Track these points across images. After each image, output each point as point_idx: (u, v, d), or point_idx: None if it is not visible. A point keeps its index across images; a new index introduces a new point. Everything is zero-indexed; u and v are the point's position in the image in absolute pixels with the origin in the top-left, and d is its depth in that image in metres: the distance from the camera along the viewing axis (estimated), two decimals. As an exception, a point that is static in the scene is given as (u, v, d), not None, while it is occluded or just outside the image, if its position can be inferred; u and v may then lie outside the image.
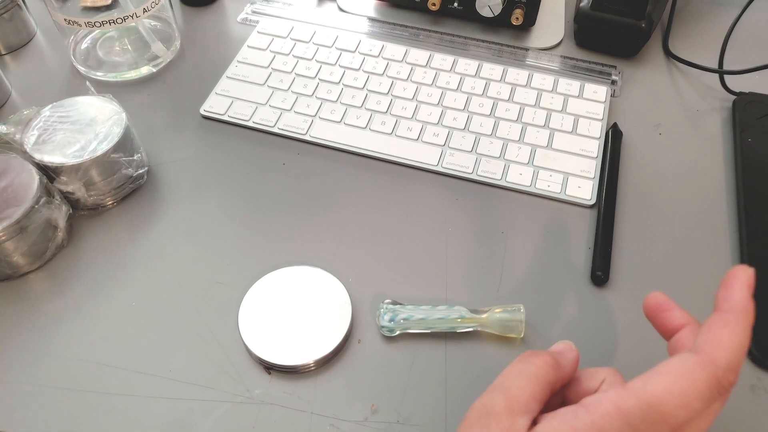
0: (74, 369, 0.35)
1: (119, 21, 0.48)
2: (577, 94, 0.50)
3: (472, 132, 0.47)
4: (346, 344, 0.36)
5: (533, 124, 0.48)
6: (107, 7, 0.58)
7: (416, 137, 0.47)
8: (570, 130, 0.47)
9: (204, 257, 0.40)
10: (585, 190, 0.43)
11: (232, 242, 0.41)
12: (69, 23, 0.48)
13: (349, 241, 0.41)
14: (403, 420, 0.33)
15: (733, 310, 0.23)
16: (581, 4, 0.54)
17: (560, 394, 0.27)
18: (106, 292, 0.38)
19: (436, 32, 0.56)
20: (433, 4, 0.55)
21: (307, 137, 0.47)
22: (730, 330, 0.22)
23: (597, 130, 0.47)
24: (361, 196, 0.44)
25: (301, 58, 0.52)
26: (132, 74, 0.52)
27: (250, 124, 0.48)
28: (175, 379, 0.34)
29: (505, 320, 0.36)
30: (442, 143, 0.46)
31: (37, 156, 0.39)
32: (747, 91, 0.50)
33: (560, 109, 0.49)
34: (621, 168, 0.46)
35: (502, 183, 0.44)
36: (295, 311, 0.36)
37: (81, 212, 0.42)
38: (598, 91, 0.50)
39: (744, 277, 0.24)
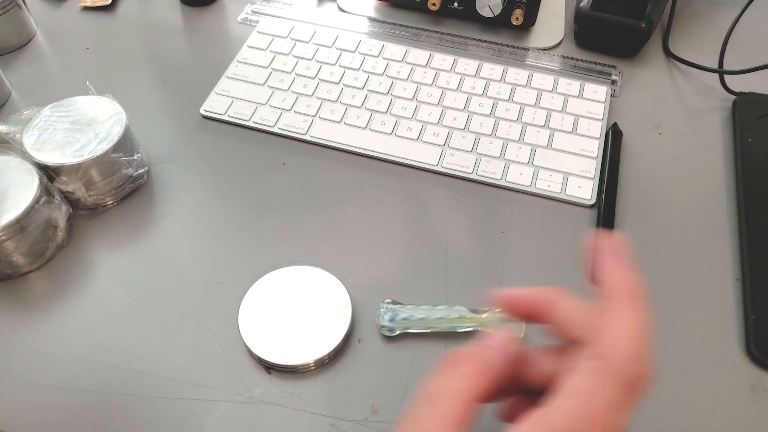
0: (74, 369, 0.35)
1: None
2: (577, 94, 0.50)
3: (472, 132, 0.47)
4: (346, 344, 0.36)
5: (533, 124, 0.48)
6: (107, 8, 0.58)
7: (416, 137, 0.47)
8: (570, 130, 0.47)
9: (204, 257, 0.40)
10: (585, 190, 0.43)
11: (232, 242, 0.41)
12: None
13: (349, 241, 0.41)
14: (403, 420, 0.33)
15: (612, 294, 0.21)
16: (581, 4, 0.54)
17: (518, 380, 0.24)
18: (106, 291, 0.38)
19: (436, 32, 0.56)
20: (433, 4, 0.55)
21: (307, 137, 0.47)
22: (618, 319, 0.20)
23: (597, 130, 0.47)
24: (361, 196, 0.44)
25: (301, 58, 0.52)
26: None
27: (250, 124, 0.48)
28: (175, 378, 0.34)
29: (505, 320, 0.36)
30: (442, 143, 0.46)
31: (37, 156, 0.39)
32: (747, 91, 0.50)
33: (560, 109, 0.49)
34: (621, 168, 0.46)
35: (502, 183, 0.44)
36: (295, 311, 0.36)
37: (81, 212, 0.42)
38: (598, 91, 0.50)
39: (609, 248, 0.21)
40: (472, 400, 0.21)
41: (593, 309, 0.21)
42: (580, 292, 0.39)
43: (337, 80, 0.51)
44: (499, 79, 0.51)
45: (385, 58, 0.52)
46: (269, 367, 0.35)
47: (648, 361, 0.19)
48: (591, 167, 0.45)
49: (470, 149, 0.46)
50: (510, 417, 0.25)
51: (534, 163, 0.45)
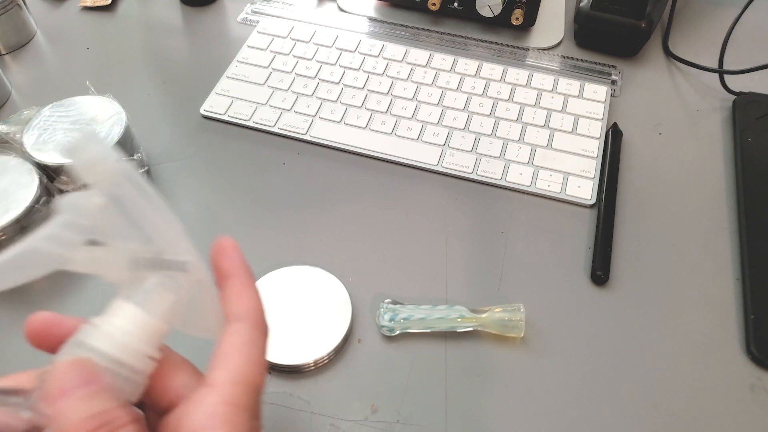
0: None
1: None
2: (577, 94, 0.50)
3: (472, 132, 0.47)
4: (346, 344, 0.36)
5: (533, 123, 0.48)
6: (107, 7, 0.58)
7: (416, 137, 0.47)
8: (570, 129, 0.47)
9: (204, 257, 0.40)
10: (585, 190, 0.43)
11: (232, 242, 0.41)
12: None
13: (349, 241, 0.41)
14: (403, 420, 0.33)
15: (242, 272, 0.25)
16: (581, 4, 0.54)
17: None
18: (106, 291, 0.38)
19: (436, 32, 0.56)
20: (433, 4, 0.55)
21: (307, 137, 0.47)
22: (252, 288, 0.24)
23: (597, 129, 0.47)
24: (361, 196, 0.44)
25: (301, 58, 0.52)
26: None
27: (250, 123, 0.48)
28: (175, 378, 0.34)
29: (505, 320, 0.36)
30: (442, 143, 0.46)
31: (37, 155, 0.39)
32: (747, 90, 0.50)
33: (560, 108, 0.49)
34: (621, 168, 0.46)
35: (502, 183, 0.44)
36: (295, 311, 0.36)
37: (81, 212, 0.42)
38: (598, 90, 0.50)
39: (230, 244, 0.26)
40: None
41: (234, 289, 0.25)
42: (580, 291, 0.39)
43: (337, 80, 0.51)
44: (499, 79, 0.51)
45: (385, 58, 0.52)
46: (269, 367, 0.35)
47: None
48: (591, 167, 0.45)
49: (470, 149, 0.46)
50: (171, 401, 0.23)
51: (534, 163, 0.45)
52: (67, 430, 0.18)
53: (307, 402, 0.34)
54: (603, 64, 0.54)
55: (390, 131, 0.47)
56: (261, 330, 0.23)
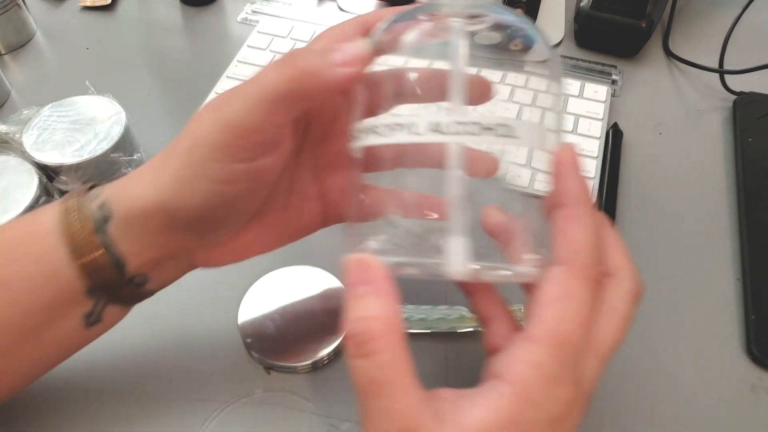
0: (73, 369, 0.35)
1: None
2: (577, 94, 0.49)
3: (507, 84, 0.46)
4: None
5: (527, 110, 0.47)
6: (107, 7, 0.58)
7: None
8: (570, 129, 0.47)
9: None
10: (585, 190, 0.43)
11: (232, 242, 0.41)
12: None
13: (349, 241, 0.41)
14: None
15: (572, 199, 0.21)
16: (581, 4, 0.53)
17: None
18: (106, 292, 0.38)
19: (437, 32, 0.56)
20: (434, 4, 0.55)
21: (307, 137, 0.47)
22: (580, 225, 0.21)
23: (597, 129, 0.47)
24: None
25: (301, 57, 0.52)
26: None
27: (250, 123, 0.48)
28: (174, 378, 0.34)
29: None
30: (443, 143, 0.46)
31: (37, 155, 0.39)
32: (747, 90, 0.50)
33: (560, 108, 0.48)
34: (621, 168, 0.46)
35: (501, 184, 0.44)
36: (295, 311, 0.36)
37: (81, 212, 0.42)
38: (599, 90, 0.50)
39: (570, 158, 0.22)
40: (406, 366, 0.20)
41: (559, 222, 0.22)
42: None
43: (337, 80, 0.50)
44: (498, 80, 0.51)
45: (385, 58, 0.52)
46: (269, 368, 0.35)
47: (601, 259, 0.21)
48: (591, 167, 0.45)
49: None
50: (493, 347, 0.26)
51: (532, 165, 0.45)
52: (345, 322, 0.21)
53: (307, 402, 0.34)
54: (603, 64, 0.53)
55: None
56: (582, 277, 0.20)
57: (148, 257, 0.27)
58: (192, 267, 0.30)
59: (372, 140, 0.23)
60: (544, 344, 0.19)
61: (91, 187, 0.28)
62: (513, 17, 0.24)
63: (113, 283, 0.26)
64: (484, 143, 0.23)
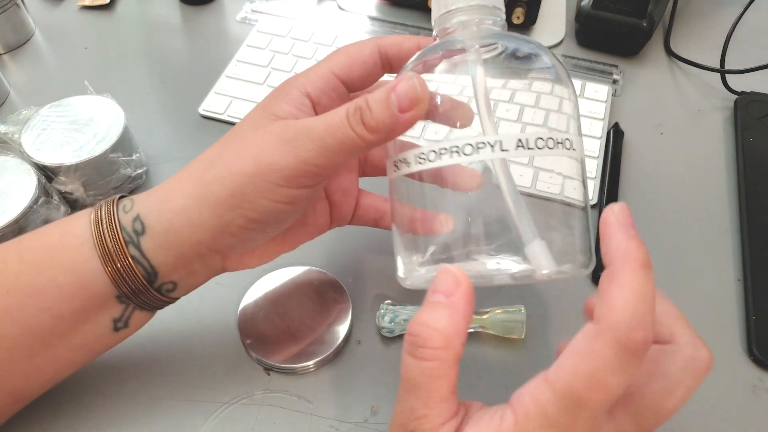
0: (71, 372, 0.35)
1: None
2: (578, 94, 0.49)
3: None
4: (345, 345, 0.36)
5: (533, 123, 0.47)
6: (106, 7, 0.58)
7: (418, 136, 0.46)
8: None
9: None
10: (586, 190, 0.43)
11: (232, 242, 0.41)
12: None
13: (349, 241, 0.41)
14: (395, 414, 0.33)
15: (615, 258, 0.21)
16: (582, 3, 0.53)
17: None
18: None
19: (437, 31, 0.56)
20: (434, 3, 0.54)
21: (306, 137, 0.47)
22: (618, 283, 0.20)
23: (598, 129, 0.47)
24: (361, 196, 0.44)
25: (301, 57, 0.52)
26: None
27: (249, 123, 0.48)
28: (174, 379, 0.34)
29: (505, 321, 0.35)
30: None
31: (36, 156, 0.39)
32: (749, 90, 0.50)
33: (560, 108, 0.48)
34: (622, 168, 0.45)
35: (503, 183, 0.44)
36: (295, 311, 0.36)
37: (79, 212, 0.42)
38: (600, 90, 0.50)
39: (615, 219, 0.22)
40: (448, 372, 0.22)
41: (600, 281, 0.22)
42: (582, 292, 0.39)
43: (337, 80, 0.50)
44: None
45: (385, 58, 0.52)
46: (268, 369, 0.35)
47: (645, 325, 0.19)
48: (592, 167, 0.45)
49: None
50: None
51: (534, 164, 0.45)
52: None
53: (307, 403, 0.33)
54: (604, 64, 0.53)
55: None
56: (610, 339, 0.19)
57: (181, 267, 0.28)
58: (221, 272, 0.30)
59: (452, 160, 0.24)
60: (553, 390, 0.20)
61: (120, 198, 0.29)
62: (524, 44, 0.27)
63: (143, 291, 0.28)
64: (549, 156, 0.25)
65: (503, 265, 0.25)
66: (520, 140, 0.23)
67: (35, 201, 0.37)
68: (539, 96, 0.43)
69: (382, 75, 0.30)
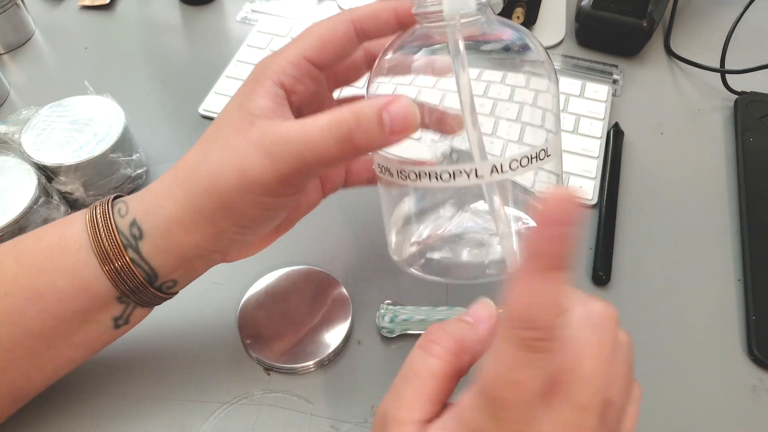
0: (73, 370, 0.35)
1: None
2: (578, 94, 0.49)
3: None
4: (345, 345, 0.36)
5: (533, 123, 0.47)
6: (106, 7, 0.58)
7: (418, 136, 0.46)
8: (571, 129, 0.47)
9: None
10: (586, 190, 0.43)
11: (232, 242, 0.41)
12: None
13: (350, 241, 0.41)
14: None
15: (530, 256, 0.19)
16: (582, 3, 0.53)
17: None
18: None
19: (437, 31, 0.56)
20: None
21: (306, 137, 0.47)
22: (514, 281, 0.19)
23: (598, 129, 0.47)
24: (361, 196, 0.43)
25: (301, 57, 0.52)
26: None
27: (249, 123, 0.48)
28: (174, 380, 0.34)
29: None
30: (442, 143, 0.46)
31: (36, 156, 0.39)
32: (749, 90, 0.50)
33: (561, 108, 0.48)
34: (622, 168, 0.45)
35: (503, 183, 0.44)
36: (295, 311, 0.36)
37: (80, 212, 0.42)
38: (600, 90, 0.50)
39: (552, 206, 0.18)
40: (446, 379, 0.22)
41: None
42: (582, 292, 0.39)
43: (337, 80, 0.50)
44: (499, 80, 0.51)
45: (385, 58, 0.52)
46: (268, 369, 0.35)
47: (536, 318, 0.18)
48: (592, 167, 0.45)
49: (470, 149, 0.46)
50: None
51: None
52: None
53: (307, 403, 0.33)
54: (604, 64, 0.53)
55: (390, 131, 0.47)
56: (510, 337, 0.19)
57: (181, 267, 0.28)
58: (218, 263, 0.31)
59: (429, 183, 0.25)
60: (475, 393, 0.20)
61: (115, 198, 0.29)
62: (508, 30, 0.27)
63: (144, 290, 0.28)
64: (527, 172, 0.27)
65: (478, 257, 0.27)
66: (494, 166, 0.25)
67: (35, 201, 0.37)
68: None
69: (358, 47, 0.29)
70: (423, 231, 0.30)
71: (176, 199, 0.27)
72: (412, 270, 0.28)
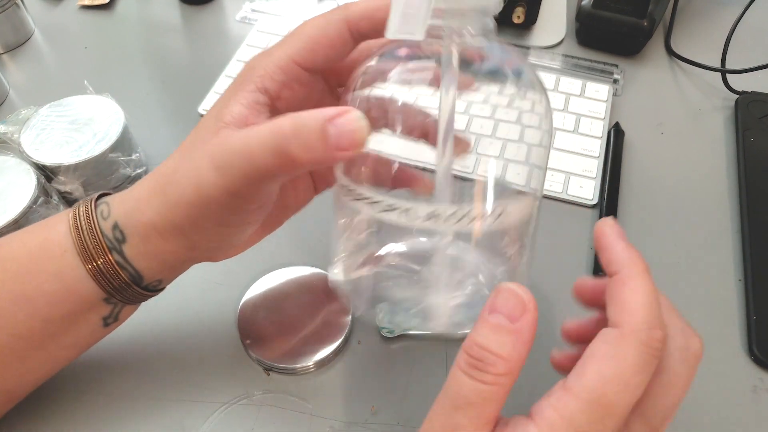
0: (72, 369, 0.35)
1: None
2: (578, 93, 0.49)
3: (472, 133, 0.47)
4: (345, 345, 0.36)
5: (533, 124, 0.47)
6: (105, 6, 0.58)
7: (417, 137, 0.46)
8: (572, 129, 0.47)
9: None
10: (587, 190, 0.43)
11: (231, 242, 0.41)
12: None
13: (349, 242, 0.41)
14: (404, 422, 0.33)
15: (622, 266, 0.22)
16: (583, 3, 0.53)
17: None
18: (105, 292, 0.38)
19: (437, 31, 0.56)
20: (434, 3, 0.54)
21: (306, 137, 0.47)
22: (631, 288, 0.21)
23: (599, 129, 0.47)
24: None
25: (301, 56, 0.52)
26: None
27: (249, 123, 0.48)
28: (174, 380, 0.34)
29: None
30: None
31: (35, 155, 0.39)
32: (749, 90, 0.50)
33: (562, 108, 0.48)
34: (623, 167, 0.45)
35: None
36: (294, 311, 0.36)
37: (79, 212, 0.42)
38: (600, 90, 0.50)
39: (611, 230, 0.23)
40: (501, 403, 0.21)
41: (609, 288, 0.22)
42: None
43: (337, 79, 0.50)
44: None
45: (385, 57, 0.52)
46: (268, 369, 0.34)
47: (661, 324, 0.20)
48: (593, 167, 0.44)
49: (470, 149, 0.46)
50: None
51: (528, 162, 0.45)
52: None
53: (307, 404, 0.33)
54: (605, 63, 0.53)
55: (390, 132, 0.47)
56: (633, 340, 0.20)
57: (166, 270, 0.28)
58: (203, 261, 0.30)
59: (398, 219, 0.23)
60: (578, 398, 0.19)
61: (98, 197, 0.28)
62: (499, 52, 0.26)
63: (130, 290, 0.28)
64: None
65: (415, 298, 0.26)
66: (455, 213, 0.23)
67: (34, 201, 0.37)
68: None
69: (354, 48, 0.27)
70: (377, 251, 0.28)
71: (153, 207, 0.26)
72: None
